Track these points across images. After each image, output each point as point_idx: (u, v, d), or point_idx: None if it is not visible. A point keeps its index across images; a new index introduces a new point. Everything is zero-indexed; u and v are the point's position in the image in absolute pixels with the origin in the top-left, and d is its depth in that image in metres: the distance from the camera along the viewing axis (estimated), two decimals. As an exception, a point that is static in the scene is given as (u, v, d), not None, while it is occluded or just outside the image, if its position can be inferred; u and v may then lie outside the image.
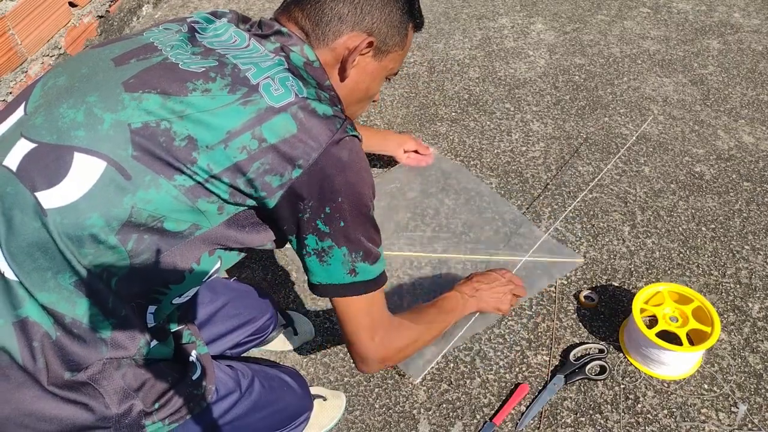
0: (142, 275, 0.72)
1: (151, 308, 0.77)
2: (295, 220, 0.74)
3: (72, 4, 2.14)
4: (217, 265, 0.79)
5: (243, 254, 0.83)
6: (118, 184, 0.67)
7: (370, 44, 0.82)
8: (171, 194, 0.68)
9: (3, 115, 0.76)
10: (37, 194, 0.67)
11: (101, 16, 2.32)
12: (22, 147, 0.69)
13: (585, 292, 1.37)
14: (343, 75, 0.83)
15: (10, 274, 0.68)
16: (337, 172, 0.71)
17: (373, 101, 0.91)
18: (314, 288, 0.80)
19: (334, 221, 0.73)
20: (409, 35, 0.88)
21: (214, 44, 0.76)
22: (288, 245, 0.81)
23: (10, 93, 1.89)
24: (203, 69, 0.71)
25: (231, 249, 0.79)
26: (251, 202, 0.73)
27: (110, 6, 2.37)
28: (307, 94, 0.72)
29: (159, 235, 0.70)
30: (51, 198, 0.67)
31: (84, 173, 0.67)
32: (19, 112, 0.73)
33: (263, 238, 0.80)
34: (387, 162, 1.76)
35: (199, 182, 0.68)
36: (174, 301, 0.80)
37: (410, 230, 1.56)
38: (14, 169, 0.68)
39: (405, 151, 1.69)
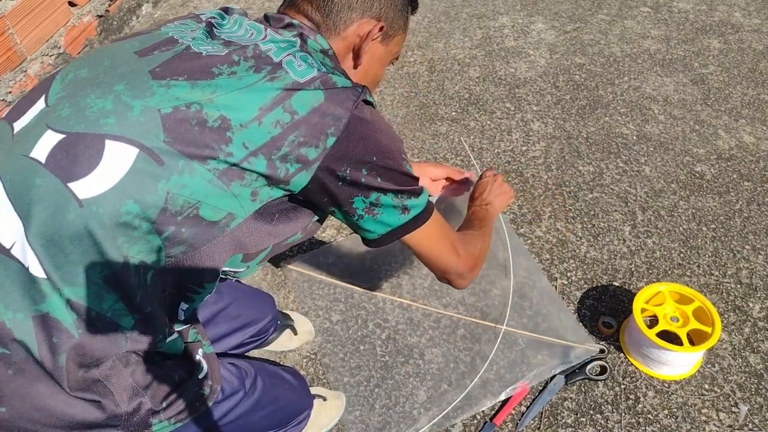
0: (177, 269, 0.72)
1: (183, 305, 0.78)
2: (336, 190, 0.76)
3: (71, 4, 2.13)
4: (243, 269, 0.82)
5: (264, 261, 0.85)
6: (152, 170, 0.66)
7: (381, 29, 0.85)
8: (205, 178, 0.68)
9: (21, 108, 0.75)
10: (71, 185, 0.66)
11: (101, 16, 2.32)
12: (50, 138, 0.68)
13: (603, 319, 1.33)
14: (357, 62, 0.87)
15: (36, 270, 0.66)
16: (367, 133, 0.75)
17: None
18: (377, 242, 0.84)
19: (373, 176, 0.77)
20: (409, 17, 0.92)
21: (233, 38, 0.77)
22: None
23: (10, 92, 1.88)
24: (226, 52, 0.73)
25: (259, 252, 0.80)
26: (284, 188, 0.74)
27: (109, 5, 2.37)
28: (326, 69, 0.75)
29: (196, 226, 0.70)
30: (85, 187, 0.66)
31: (116, 160, 0.66)
32: (40, 104, 0.73)
33: (295, 227, 0.81)
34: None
35: (233, 164, 0.69)
36: (206, 299, 0.81)
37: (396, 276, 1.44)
38: (43, 160, 0.67)
39: (433, 180, 1.30)
